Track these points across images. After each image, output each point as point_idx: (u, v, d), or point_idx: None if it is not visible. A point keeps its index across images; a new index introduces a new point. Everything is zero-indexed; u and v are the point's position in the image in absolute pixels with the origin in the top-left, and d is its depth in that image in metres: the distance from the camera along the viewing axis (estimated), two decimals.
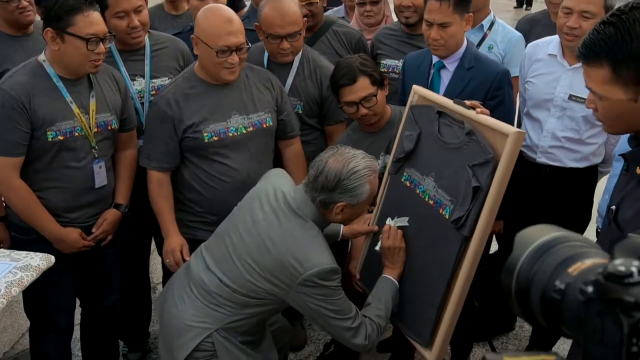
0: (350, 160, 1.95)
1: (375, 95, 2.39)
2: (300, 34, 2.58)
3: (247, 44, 2.34)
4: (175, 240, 2.43)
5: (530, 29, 3.23)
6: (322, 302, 1.92)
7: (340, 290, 1.96)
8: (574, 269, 0.70)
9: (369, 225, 2.36)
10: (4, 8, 2.71)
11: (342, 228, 2.35)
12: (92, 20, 2.19)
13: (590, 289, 0.64)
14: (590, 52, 1.39)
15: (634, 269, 0.61)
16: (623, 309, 0.61)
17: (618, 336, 0.61)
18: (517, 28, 3.35)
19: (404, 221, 2.09)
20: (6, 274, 1.93)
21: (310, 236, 1.94)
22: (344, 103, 2.43)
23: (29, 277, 1.96)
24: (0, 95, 2.19)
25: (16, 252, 2.08)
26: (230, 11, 2.32)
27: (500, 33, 3.05)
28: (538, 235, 0.77)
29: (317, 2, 2.93)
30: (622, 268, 0.62)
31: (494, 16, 3.11)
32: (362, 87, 2.37)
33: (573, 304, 0.67)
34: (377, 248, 2.11)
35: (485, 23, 3.05)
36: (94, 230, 2.43)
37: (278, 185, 2.08)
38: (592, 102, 1.48)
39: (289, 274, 1.90)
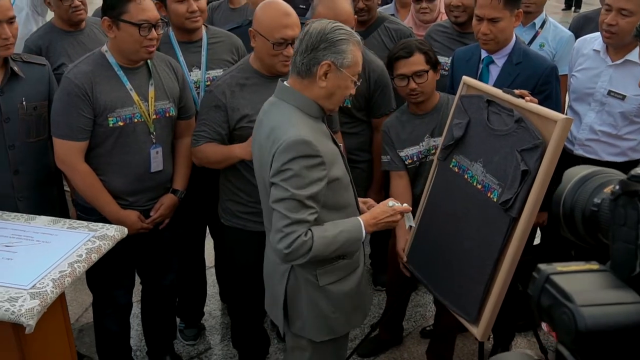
0: (333, 22, 1.93)
1: (427, 72, 2.51)
2: None
3: None
4: None
5: (584, 27, 3.28)
6: (280, 180, 1.81)
7: (309, 188, 1.80)
8: (608, 189, 0.88)
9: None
10: (59, 6, 2.92)
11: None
12: (144, 7, 2.32)
13: (617, 187, 0.84)
14: None
15: None
16: None
17: (635, 217, 0.81)
18: (571, 25, 3.41)
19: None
20: (86, 242, 2.11)
21: (290, 115, 1.89)
22: (396, 75, 2.55)
23: (105, 246, 2.13)
24: (66, 83, 2.36)
25: (93, 223, 2.25)
26: (287, 5, 2.39)
27: (551, 32, 3.12)
28: (579, 170, 0.99)
29: None
30: None
31: (546, 15, 3.18)
32: (417, 61, 2.51)
33: (606, 209, 0.88)
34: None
35: (537, 21, 3.13)
36: (152, 213, 2.57)
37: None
38: None
39: (272, 151, 1.84)
